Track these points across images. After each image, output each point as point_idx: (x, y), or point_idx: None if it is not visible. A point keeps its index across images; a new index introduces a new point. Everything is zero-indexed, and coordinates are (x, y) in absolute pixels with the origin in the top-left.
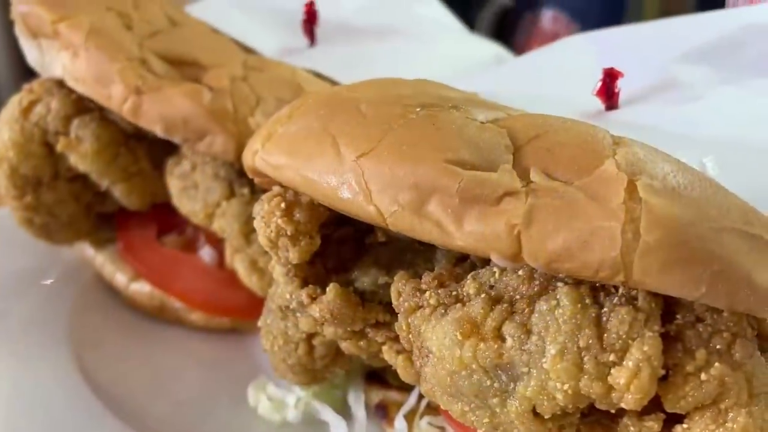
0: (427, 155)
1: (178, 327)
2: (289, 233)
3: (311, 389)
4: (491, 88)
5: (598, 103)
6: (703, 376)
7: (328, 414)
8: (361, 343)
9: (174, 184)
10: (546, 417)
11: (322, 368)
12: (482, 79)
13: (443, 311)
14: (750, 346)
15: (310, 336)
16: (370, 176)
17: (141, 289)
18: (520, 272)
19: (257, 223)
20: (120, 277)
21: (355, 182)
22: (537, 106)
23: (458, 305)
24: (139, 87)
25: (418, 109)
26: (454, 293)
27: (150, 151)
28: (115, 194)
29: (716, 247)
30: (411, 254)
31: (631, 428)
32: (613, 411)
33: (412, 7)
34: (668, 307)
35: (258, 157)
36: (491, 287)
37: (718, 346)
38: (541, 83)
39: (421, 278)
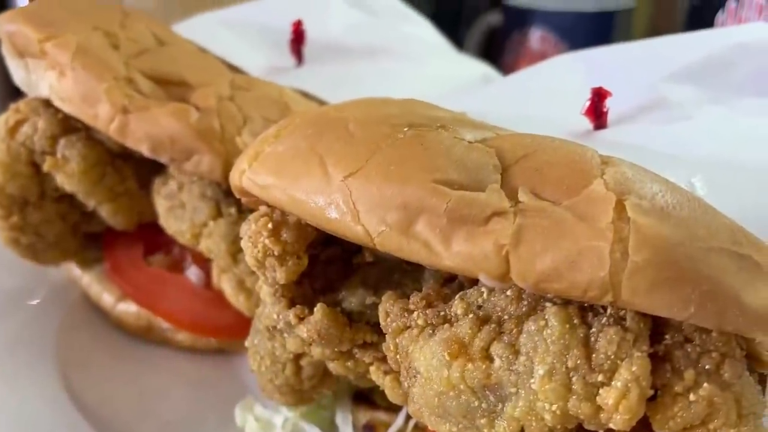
0: (414, 175)
1: (165, 347)
2: (276, 253)
3: (299, 410)
4: (480, 107)
5: (587, 123)
6: (691, 397)
7: None
8: (349, 363)
9: (161, 204)
10: None
11: (309, 389)
12: (471, 99)
13: (431, 332)
14: (739, 367)
15: (298, 356)
16: (358, 196)
17: (127, 309)
18: (509, 292)
19: (244, 243)
20: (107, 297)
21: (342, 202)
22: (525, 126)
23: (446, 326)
24: (125, 106)
25: (405, 129)
26: (442, 314)
27: (137, 171)
28: (101, 214)
29: (705, 267)
30: (399, 274)
31: None
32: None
33: (400, 26)
34: (657, 327)
35: (245, 176)
36: (479, 307)
37: (707, 367)
38: (529, 103)
39: (408, 298)
